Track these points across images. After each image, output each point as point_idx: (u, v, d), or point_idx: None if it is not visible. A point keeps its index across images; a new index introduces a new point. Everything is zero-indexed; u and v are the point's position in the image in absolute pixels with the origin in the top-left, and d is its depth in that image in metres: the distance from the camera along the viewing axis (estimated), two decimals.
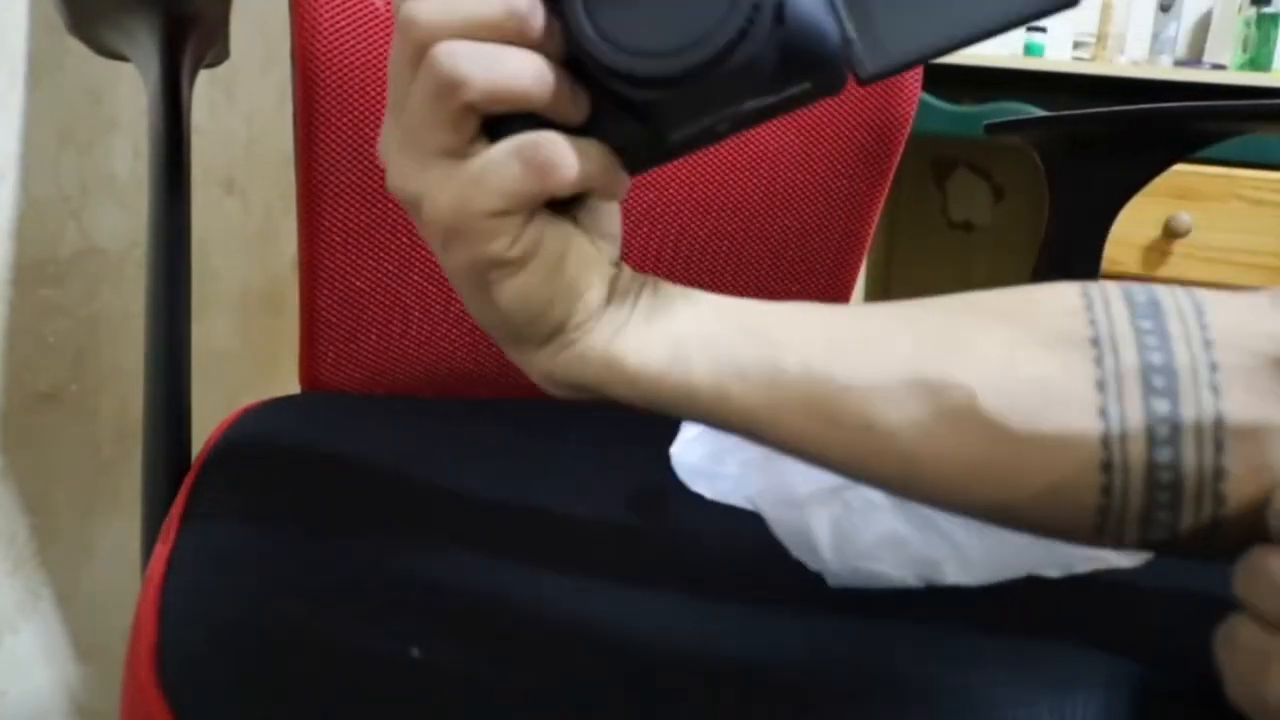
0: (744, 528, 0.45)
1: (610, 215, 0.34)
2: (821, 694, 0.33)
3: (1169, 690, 0.34)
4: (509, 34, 0.29)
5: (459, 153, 0.30)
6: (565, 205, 0.32)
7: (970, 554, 0.40)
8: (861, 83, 0.30)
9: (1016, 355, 0.32)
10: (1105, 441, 0.30)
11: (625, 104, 0.30)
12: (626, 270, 0.35)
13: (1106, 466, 0.30)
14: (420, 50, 0.29)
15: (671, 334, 0.33)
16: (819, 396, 0.32)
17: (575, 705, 0.32)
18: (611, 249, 0.34)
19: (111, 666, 0.81)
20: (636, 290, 0.34)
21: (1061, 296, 0.33)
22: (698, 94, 0.29)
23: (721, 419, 0.33)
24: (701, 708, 0.32)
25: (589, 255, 0.33)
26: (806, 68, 0.30)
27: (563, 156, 0.30)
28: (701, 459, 0.50)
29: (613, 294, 0.34)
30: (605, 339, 0.33)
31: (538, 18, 0.29)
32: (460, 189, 0.30)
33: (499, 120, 0.30)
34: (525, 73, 0.29)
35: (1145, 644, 0.36)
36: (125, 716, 0.34)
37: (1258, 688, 0.29)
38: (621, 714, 0.32)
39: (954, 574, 0.40)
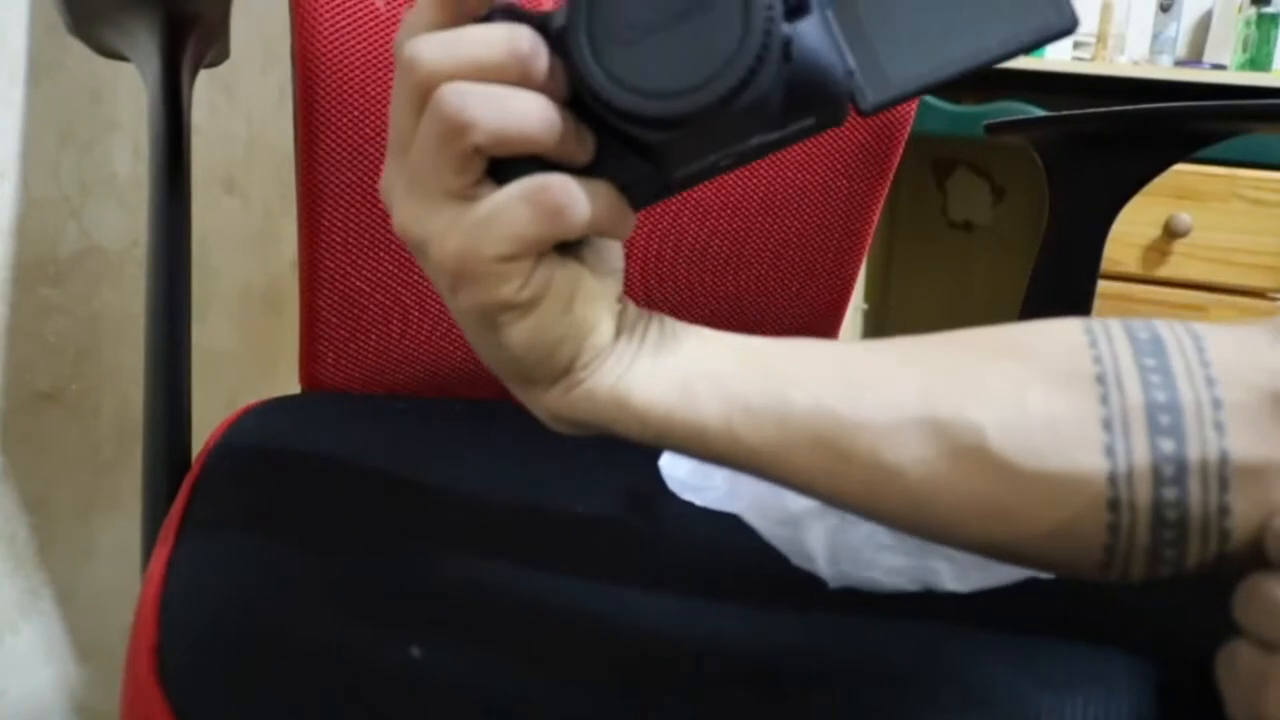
0: (743, 528, 0.45)
1: (613, 251, 0.34)
2: (821, 693, 0.33)
3: (1169, 690, 0.34)
4: (512, 76, 0.28)
5: (465, 195, 0.29)
6: (571, 243, 0.32)
7: (966, 562, 0.40)
8: (863, 114, 0.30)
9: (1024, 393, 0.31)
10: (1112, 480, 0.30)
11: (630, 143, 0.30)
12: (631, 306, 0.35)
13: (1113, 505, 0.30)
14: (424, 92, 0.29)
15: (680, 371, 0.33)
16: (829, 434, 0.32)
17: (576, 705, 0.32)
18: (616, 284, 0.34)
19: (111, 666, 0.81)
20: (643, 327, 0.34)
21: (1065, 332, 0.33)
22: (705, 132, 0.29)
23: (731, 457, 0.33)
24: (702, 707, 0.32)
25: (596, 293, 0.32)
26: (813, 103, 0.30)
27: (572, 199, 0.29)
28: (689, 473, 0.50)
29: (620, 331, 0.33)
30: (613, 377, 0.33)
31: (541, 59, 0.29)
32: (468, 234, 0.29)
33: (503, 161, 0.29)
34: (532, 115, 0.28)
35: (1145, 644, 0.36)
36: (125, 716, 0.34)
37: (1257, 707, 0.29)
38: (622, 713, 0.32)
39: (950, 582, 0.40)
